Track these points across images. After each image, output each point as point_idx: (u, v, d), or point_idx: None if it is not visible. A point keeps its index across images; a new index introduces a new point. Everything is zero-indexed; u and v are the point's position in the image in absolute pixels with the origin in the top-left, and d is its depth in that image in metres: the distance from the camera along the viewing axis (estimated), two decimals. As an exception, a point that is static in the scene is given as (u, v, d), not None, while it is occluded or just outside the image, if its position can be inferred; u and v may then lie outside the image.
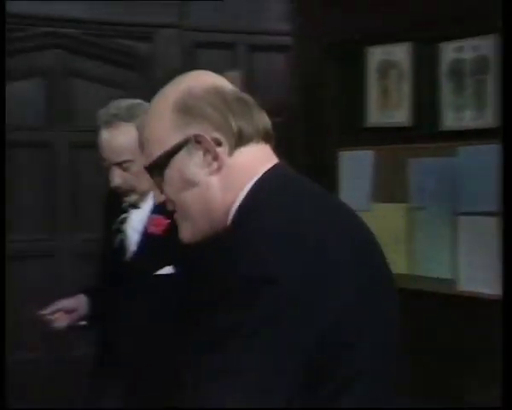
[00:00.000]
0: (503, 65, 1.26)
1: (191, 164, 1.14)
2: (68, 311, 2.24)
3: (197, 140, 1.12)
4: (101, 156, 2.10)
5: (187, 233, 1.20)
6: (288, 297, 0.99)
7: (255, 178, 1.14)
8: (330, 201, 1.22)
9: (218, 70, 3.54)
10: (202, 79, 1.18)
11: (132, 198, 2.13)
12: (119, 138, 2.06)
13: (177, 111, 1.13)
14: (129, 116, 2.06)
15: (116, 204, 2.22)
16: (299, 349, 0.99)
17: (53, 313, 2.19)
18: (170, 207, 1.21)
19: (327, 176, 3.35)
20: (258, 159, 1.17)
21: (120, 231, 2.17)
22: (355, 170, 2.97)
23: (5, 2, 2.02)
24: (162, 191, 1.20)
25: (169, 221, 2.01)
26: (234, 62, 3.76)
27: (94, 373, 2.27)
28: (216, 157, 1.13)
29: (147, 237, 2.12)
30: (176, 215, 1.21)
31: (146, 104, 2.04)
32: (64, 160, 3.71)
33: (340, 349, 1.03)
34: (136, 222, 2.17)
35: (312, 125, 3.32)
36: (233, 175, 1.14)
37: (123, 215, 2.18)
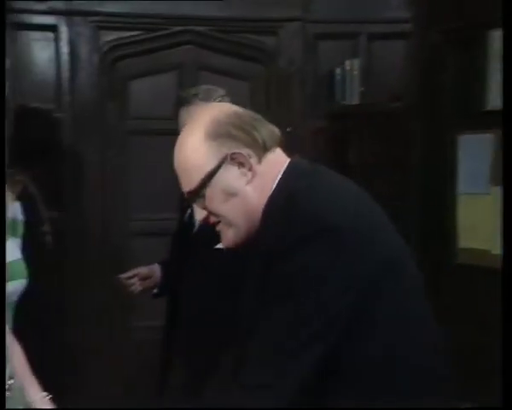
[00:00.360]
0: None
1: (230, 179, 1.31)
2: (143, 277, 2.35)
3: (232, 157, 1.30)
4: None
5: (231, 240, 1.36)
6: (344, 243, 1.18)
7: (280, 176, 1.32)
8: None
9: (339, 60, 3.65)
10: (223, 109, 1.36)
11: None
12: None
13: (209, 139, 1.30)
14: (207, 97, 2.20)
15: None
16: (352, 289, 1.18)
17: (130, 277, 2.32)
18: (213, 220, 1.37)
19: (446, 160, 3.35)
20: (278, 161, 1.35)
21: (189, 205, 2.23)
22: (474, 153, 2.96)
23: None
24: (203, 208, 1.36)
25: None
26: (354, 52, 3.82)
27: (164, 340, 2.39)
28: (250, 168, 1.31)
29: None
30: (219, 226, 1.37)
31: (221, 90, 2.24)
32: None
33: (380, 294, 1.20)
34: None
35: (431, 110, 3.33)
36: (264, 179, 1.32)
37: None
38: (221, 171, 1.31)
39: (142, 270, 2.36)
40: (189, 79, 3.85)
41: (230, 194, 1.32)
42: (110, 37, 3.64)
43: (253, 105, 3.85)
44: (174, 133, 4.03)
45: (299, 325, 1.18)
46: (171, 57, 3.81)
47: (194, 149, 1.32)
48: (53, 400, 1.59)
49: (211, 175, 1.30)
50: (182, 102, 2.25)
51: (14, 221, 1.53)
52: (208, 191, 1.32)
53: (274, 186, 1.32)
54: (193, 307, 2.19)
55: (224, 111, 1.35)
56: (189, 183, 1.34)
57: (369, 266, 1.20)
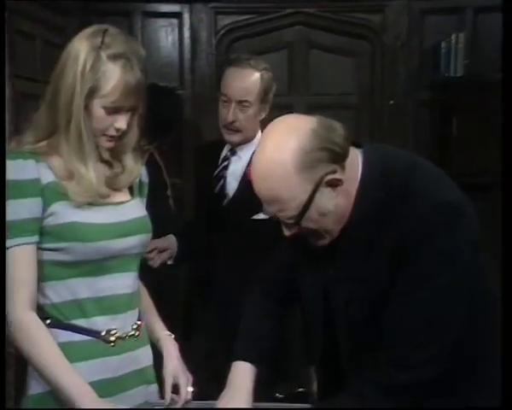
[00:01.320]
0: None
1: (324, 201, 1.28)
2: (161, 250, 2.27)
3: (326, 182, 1.27)
4: (224, 92, 2.23)
5: (324, 242, 1.35)
6: (467, 218, 1.25)
7: (360, 169, 1.32)
8: None
9: (445, 34, 3.58)
10: (301, 134, 1.26)
11: (236, 139, 2.24)
12: (247, 79, 2.20)
13: (299, 171, 1.24)
14: (256, 65, 2.22)
15: (212, 153, 2.33)
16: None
17: (149, 252, 2.17)
18: (306, 232, 1.33)
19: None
20: (352, 156, 1.32)
21: (221, 177, 2.25)
22: None
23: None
24: (291, 229, 1.33)
25: None
26: (460, 25, 3.75)
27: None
28: (341, 183, 1.28)
29: (246, 184, 2.07)
30: (310, 235, 1.34)
31: (265, 64, 2.24)
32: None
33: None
34: (237, 170, 2.26)
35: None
36: (350, 184, 1.31)
37: (224, 162, 2.28)
38: (316, 195, 1.27)
39: (160, 243, 2.26)
40: (299, 57, 3.99)
41: (327, 213, 1.30)
42: (227, 21, 3.89)
43: (358, 80, 3.92)
44: (287, 108, 4.18)
45: (447, 301, 1.23)
46: (282, 37, 3.97)
47: (286, 183, 1.26)
48: (175, 339, 1.65)
49: (307, 205, 1.27)
50: (233, 62, 2.24)
51: (141, 183, 1.63)
52: (308, 214, 1.29)
53: (358, 179, 1.32)
54: (230, 279, 2.16)
55: (304, 135, 1.26)
56: (281, 211, 1.29)
57: (476, 237, 1.28)
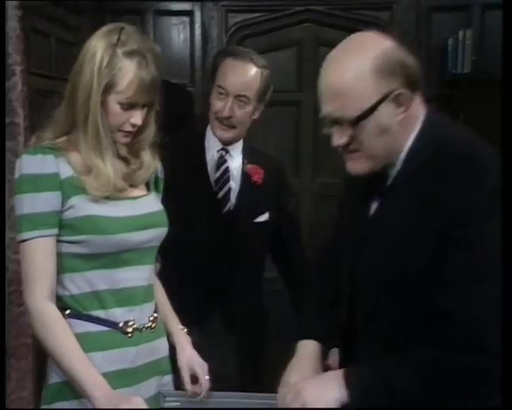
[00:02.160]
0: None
1: (386, 116, 1.25)
2: None
3: (395, 97, 1.24)
4: (221, 84, 2.01)
5: (362, 168, 1.31)
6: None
7: (421, 120, 1.30)
8: None
9: (452, 31, 3.57)
10: (388, 43, 1.26)
11: (229, 135, 2.05)
12: (248, 73, 2.01)
13: (376, 72, 1.22)
14: (257, 60, 2.03)
15: (193, 153, 2.10)
16: None
17: None
18: (352, 148, 1.29)
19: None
20: (420, 104, 1.31)
21: (227, 181, 2.06)
22: None
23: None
24: (342, 137, 1.28)
25: (264, 171, 2.06)
26: (467, 22, 3.73)
27: None
28: (406, 108, 1.26)
29: (249, 186, 2.06)
30: (353, 154, 1.30)
31: (265, 61, 2.04)
32: (309, 116, 4.03)
33: None
34: (234, 170, 2.08)
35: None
36: (410, 120, 1.29)
37: (224, 164, 2.06)
38: (381, 106, 1.24)
39: None
40: (308, 54, 3.99)
41: (382, 130, 1.26)
42: (237, 19, 3.90)
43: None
44: (295, 104, 4.17)
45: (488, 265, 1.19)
46: (292, 35, 3.97)
47: (360, 79, 1.23)
48: (188, 333, 1.67)
49: (372, 109, 1.24)
50: (232, 54, 2.05)
51: (157, 178, 1.65)
52: (365, 123, 1.25)
53: (418, 129, 1.29)
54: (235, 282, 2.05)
55: (389, 46, 1.25)
56: (342, 108, 1.26)
57: None
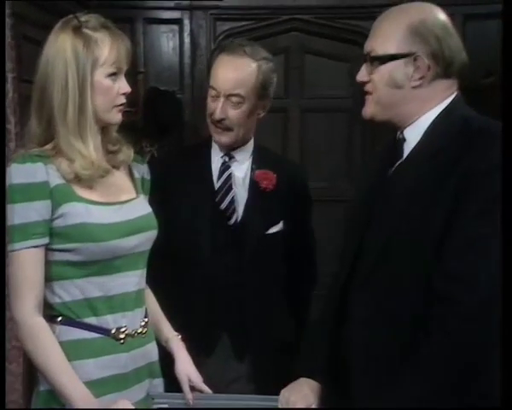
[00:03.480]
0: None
1: (402, 72, 1.34)
2: None
3: (415, 58, 1.32)
4: (213, 86, 1.81)
5: (369, 111, 1.41)
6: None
7: (446, 102, 1.34)
8: None
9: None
10: (433, 13, 1.35)
11: (226, 139, 1.85)
12: (240, 69, 1.80)
13: (409, 30, 1.32)
14: (253, 53, 1.83)
15: (197, 164, 1.89)
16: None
17: None
18: (367, 88, 1.40)
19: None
20: (449, 88, 1.35)
21: (229, 189, 1.85)
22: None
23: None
24: (366, 73, 1.40)
25: (276, 175, 1.86)
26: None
27: None
28: (422, 78, 1.33)
29: (258, 194, 1.85)
30: (368, 96, 1.40)
31: (267, 54, 1.89)
32: (295, 123, 4.03)
33: None
34: (241, 177, 1.89)
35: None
36: (430, 94, 1.34)
37: (226, 172, 1.87)
38: (402, 61, 1.33)
39: None
40: (295, 62, 3.99)
41: (394, 83, 1.35)
42: (225, 27, 3.90)
43: (351, 84, 3.91)
44: (282, 111, 4.16)
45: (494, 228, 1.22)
46: (279, 43, 3.97)
47: (397, 27, 1.34)
48: (183, 339, 1.62)
49: (391, 57, 1.34)
50: (225, 49, 1.84)
51: (144, 180, 1.61)
52: (382, 67, 1.35)
53: (443, 107, 1.34)
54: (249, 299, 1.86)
55: (434, 16, 1.35)
56: (373, 44, 1.37)
57: None
